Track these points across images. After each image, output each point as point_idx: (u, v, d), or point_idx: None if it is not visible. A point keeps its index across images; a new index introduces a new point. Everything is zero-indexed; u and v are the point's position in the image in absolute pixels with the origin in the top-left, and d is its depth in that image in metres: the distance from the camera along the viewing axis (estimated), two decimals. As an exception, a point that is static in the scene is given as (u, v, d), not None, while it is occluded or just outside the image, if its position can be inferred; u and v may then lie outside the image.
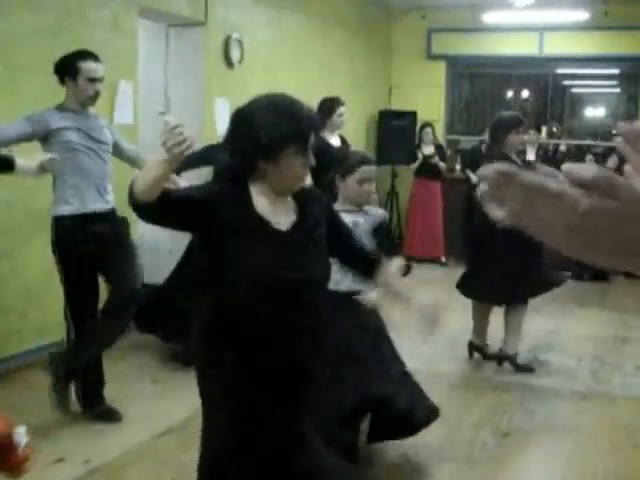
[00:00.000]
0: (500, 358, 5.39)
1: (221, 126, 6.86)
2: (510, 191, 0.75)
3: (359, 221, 3.63)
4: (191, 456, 3.76)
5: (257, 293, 2.27)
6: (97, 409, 4.24)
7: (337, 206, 3.66)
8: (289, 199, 2.43)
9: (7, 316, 4.94)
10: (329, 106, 5.88)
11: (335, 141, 5.82)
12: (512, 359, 5.33)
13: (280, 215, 2.38)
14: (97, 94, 4.15)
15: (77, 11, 5.28)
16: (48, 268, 5.12)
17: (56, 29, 5.06)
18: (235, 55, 7.02)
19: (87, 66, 4.05)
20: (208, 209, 2.27)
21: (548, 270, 5.37)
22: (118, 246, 4.29)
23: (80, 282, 4.15)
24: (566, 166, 0.77)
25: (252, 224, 2.31)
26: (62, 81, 4.11)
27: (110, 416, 4.22)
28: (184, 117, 6.77)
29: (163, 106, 6.80)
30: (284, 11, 7.85)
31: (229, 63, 6.98)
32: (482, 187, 0.79)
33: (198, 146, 6.73)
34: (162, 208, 2.21)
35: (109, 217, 4.25)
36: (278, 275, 2.27)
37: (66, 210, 4.08)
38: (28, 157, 3.80)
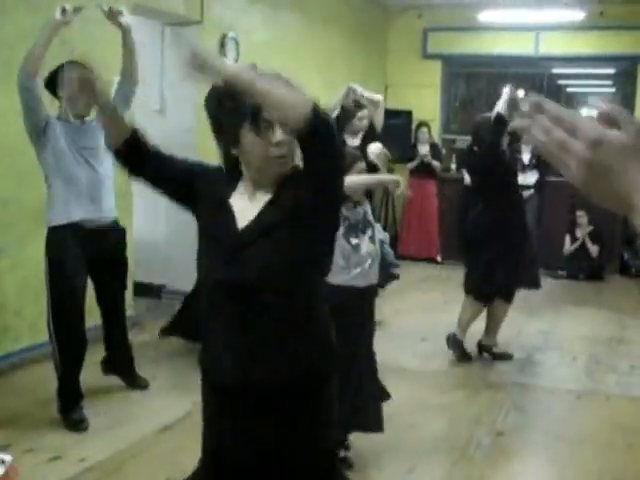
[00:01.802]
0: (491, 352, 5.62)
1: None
2: (537, 119, 0.81)
3: (367, 210, 3.73)
4: (187, 454, 3.76)
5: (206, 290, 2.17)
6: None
7: None
8: (269, 195, 2.09)
9: (3, 313, 4.94)
10: (351, 110, 5.90)
11: (357, 142, 5.84)
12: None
13: (249, 213, 2.10)
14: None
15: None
16: (44, 265, 5.13)
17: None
18: (231, 54, 7.02)
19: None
20: (189, 175, 2.19)
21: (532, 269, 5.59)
22: (113, 268, 4.31)
23: (67, 296, 4.08)
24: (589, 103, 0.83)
25: (219, 214, 2.14)
26: (55, 95, 4.09)
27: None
28: (180, 116, 6.78)
29: (159, 104, 6.80)
30: (280, 10, 7.85)
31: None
32: (518, 122, 0.84)
33: (193, 147, 6.76)
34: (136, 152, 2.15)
35: (107, 231, 4.21)
36: (214, 275, 2.09)
37: (57, 220, 4.05)
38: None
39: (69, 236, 4.05)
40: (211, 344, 2.15)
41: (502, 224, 5.31)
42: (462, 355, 5.48)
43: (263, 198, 2.09)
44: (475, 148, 5.61)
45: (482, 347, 5.61)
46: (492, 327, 5.59)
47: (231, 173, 2.16)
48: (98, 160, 4.13)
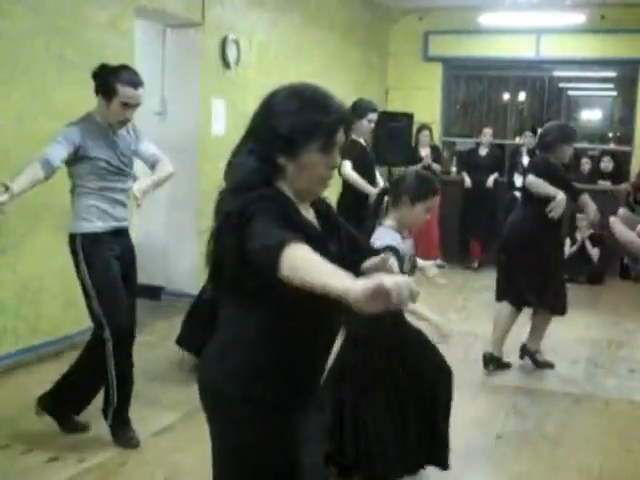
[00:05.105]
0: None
1: (217, 127, 6.86)
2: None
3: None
4: (184, 456, 3.77)
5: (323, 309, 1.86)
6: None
7: (387, 225, 3.47)
8: (310, 209, 2.08)
9: (2, 314, 4.94)
10: (363, 108, 5.84)
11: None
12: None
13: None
14: (127, 120, 3.89)
15: (73, 11, 5.27)
16: (43, 266, 5.13)
17: (52, 29, 5.05)
18: (232, 56, 7.02)
19: (125, 92, 3.77)
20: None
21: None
22: (132, 266, 4.14)
23: (112, 284, 3.91)
24: None
25: (311, 233, 1.94)
26: (97, 92, 3.85)
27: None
28: (180, 118, 6.78)
29: (160, 107, 6.81)
30: (281, 13, 7.85)
31: (226, 64, 6.98)
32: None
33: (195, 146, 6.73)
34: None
35: (125, 235, 4.11)
36: None
37: (88, 227, 3.89)
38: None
39: (100, 239, 3.91)
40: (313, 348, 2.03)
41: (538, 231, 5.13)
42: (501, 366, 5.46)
43: (307, 212, 2.05)
44: (537, 151, 5.51)
45: (525, 352, 5.55)
46: (536, 333, 5.53)
47: (267, 184, 1.96)
48: (130, 167, 4.02)
